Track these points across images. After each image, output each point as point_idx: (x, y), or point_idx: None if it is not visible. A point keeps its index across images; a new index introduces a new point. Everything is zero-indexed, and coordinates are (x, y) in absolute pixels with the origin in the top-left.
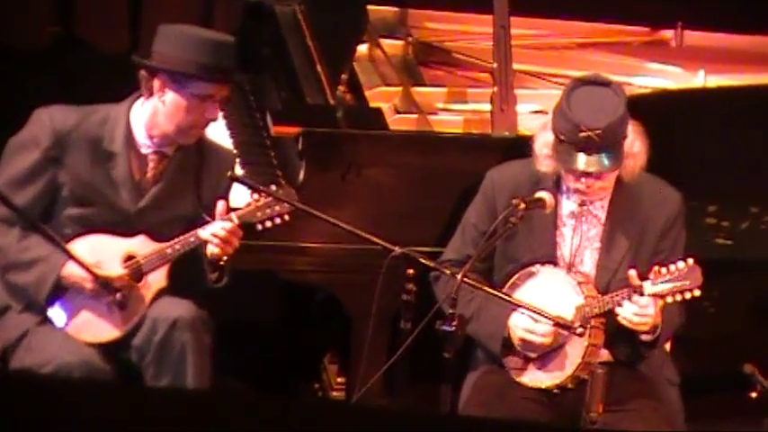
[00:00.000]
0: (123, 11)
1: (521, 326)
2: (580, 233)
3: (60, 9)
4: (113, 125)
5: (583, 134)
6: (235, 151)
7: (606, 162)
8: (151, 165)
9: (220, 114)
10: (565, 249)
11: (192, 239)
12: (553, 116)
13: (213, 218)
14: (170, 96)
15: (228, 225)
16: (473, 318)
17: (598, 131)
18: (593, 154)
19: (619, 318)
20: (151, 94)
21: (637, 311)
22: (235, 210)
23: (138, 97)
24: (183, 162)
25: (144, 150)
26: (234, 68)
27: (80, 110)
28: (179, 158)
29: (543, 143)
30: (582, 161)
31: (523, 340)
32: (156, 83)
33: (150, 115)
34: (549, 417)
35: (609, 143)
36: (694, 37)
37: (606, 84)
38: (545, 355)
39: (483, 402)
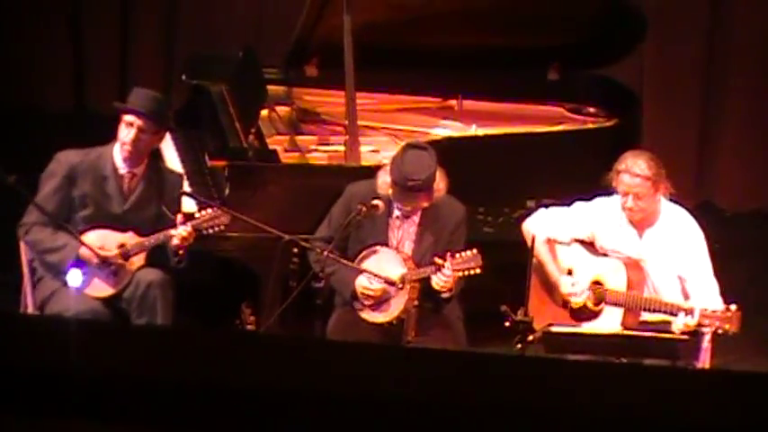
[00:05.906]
0: (116, 88)
1: (361, 284)
2: (403, 229)
3: (76, 85)
4: (105, 158)
5: (410, 183)
6: (185, 176)
7: (422, 199)
8: (126, 180)
9: (177, 156)
10: (393, 238)
11: (162, 237)
12: (391, 165)
13: (173, 214)
14: (120, 124)
15: (186, 231)
16: (335, 273)
17: (419, 182)
18: (414, 195)
19: (432, 283)
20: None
21: (442, 281)
22: (190, 219)
23: (116, 140)
24: (147, 178)
25: (121, 171)
26: (149, 108)
27: (84, 150)
28: (145, 176)
29: (383, 181)
30: (408, 199)
31: (362, 293)
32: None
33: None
34: (382, 340)
35: (425, 188)
36: (469, 104)
37: (425, 148)
38: (380, 303)
39: (341, 331)
